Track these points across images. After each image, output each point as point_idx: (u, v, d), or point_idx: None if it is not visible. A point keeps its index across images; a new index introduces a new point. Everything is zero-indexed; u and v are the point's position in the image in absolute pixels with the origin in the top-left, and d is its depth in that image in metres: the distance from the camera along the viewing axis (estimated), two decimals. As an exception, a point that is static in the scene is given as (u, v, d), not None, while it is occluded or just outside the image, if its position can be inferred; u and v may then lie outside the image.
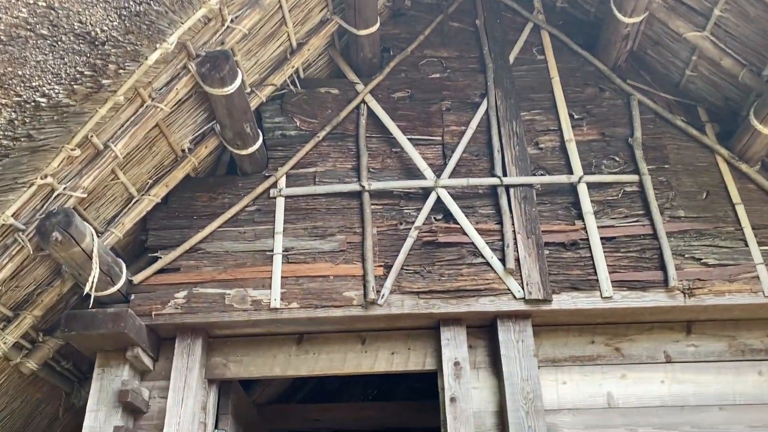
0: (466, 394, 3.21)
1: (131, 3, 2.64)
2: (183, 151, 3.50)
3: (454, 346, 3.33)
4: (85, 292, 3.04)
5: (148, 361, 3.34)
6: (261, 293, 3.37)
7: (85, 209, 3.16)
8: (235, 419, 3.60)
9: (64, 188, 2.94)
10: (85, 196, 3.00)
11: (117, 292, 3.26)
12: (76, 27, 2.50)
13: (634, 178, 3.62)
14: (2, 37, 2.36)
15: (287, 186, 3.67)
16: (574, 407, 3.27)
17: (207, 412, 3.36)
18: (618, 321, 3.42)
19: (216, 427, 3.43)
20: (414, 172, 3.70)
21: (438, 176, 3.62)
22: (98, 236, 3.07)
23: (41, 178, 2.83)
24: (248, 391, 4.46)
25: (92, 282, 2.95)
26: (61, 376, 3.69)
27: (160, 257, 3.45)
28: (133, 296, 3.36)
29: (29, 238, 2.89)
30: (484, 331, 3.44)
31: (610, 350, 3.40)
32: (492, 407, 3.26)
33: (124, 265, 3.33)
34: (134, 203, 3.40)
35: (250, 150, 3.53)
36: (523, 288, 3.33)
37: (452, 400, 3.20)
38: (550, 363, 3.36)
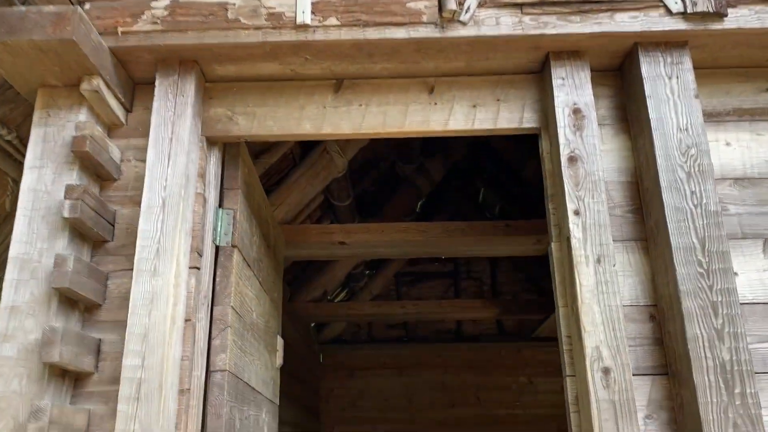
0: (592, 152, 2.16)
1: None
2: None
3: (572, 87, 2.24)
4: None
5: (116, 106, 2.24)
6: (281, 3, 2.22)
7: None
8: (246, 198, 2.55)
9: None
10: None
11: (60, -5, 2.11)
12: None
13: None
14: None
15: None
16: (743, 176, 2.24)
17: (207, 182, 2.31)
18: (803, 62, 2.33)
19: (221, 205, 2.40)
20: None
21: None
22: None
23: None
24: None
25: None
26: (3, 153, 2.65)
27: (126, -51, 2.27)
28: (88, 5, 2.22)
29: None
30: (608, 76, 2.36)
31: (795, 100, 2.33)
32: (622, 177, 2.24)
33: (69, -46, 2.15)
34: None
35: None
36: (682, -3, 2.19)
37: (571, 159, 2.15)
38: (707, 117, 2.30)
